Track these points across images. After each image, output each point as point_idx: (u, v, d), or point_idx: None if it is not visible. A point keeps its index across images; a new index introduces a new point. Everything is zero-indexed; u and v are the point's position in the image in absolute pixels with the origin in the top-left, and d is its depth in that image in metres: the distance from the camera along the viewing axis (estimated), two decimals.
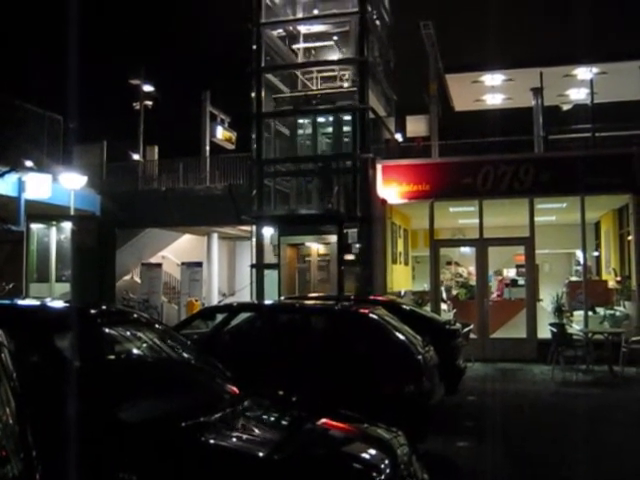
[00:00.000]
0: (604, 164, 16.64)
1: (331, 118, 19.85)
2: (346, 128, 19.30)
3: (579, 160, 17.10)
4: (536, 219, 16.79)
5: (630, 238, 16.83)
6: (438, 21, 22.32)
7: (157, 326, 5.57)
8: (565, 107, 25.96)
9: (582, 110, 24.63)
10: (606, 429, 9.58)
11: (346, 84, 20.43)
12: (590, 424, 9.93)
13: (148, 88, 32.86)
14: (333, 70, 21.09)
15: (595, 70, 22.73)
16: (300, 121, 20.33)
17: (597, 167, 16.46)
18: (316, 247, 18.74)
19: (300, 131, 20.46)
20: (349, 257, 17.04)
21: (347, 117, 19.29)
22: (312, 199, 19.07)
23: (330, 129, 20.10)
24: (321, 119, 19.91)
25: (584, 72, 22.94)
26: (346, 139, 19.30)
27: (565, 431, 9.67)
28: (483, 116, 26.99)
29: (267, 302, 13.55)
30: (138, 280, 25.96)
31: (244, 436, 4.30)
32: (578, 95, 24.64)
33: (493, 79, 23.82)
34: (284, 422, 4.98)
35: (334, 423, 4.79)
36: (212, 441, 3.92)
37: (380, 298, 13.04)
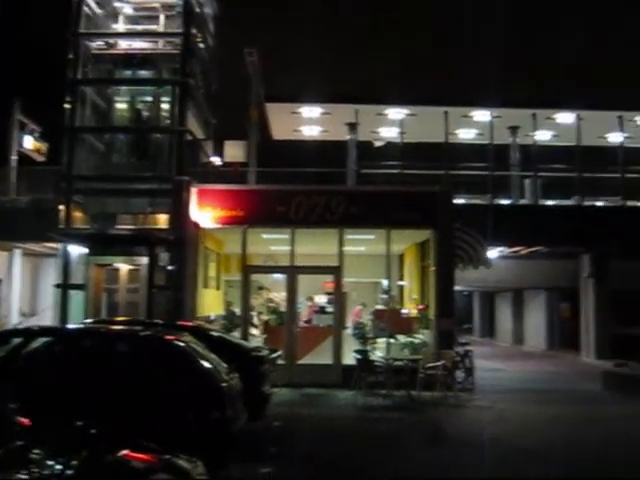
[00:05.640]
0: (410, 200, 17.62)
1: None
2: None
3: (387, 195, 18.07)
4: (346, 249, 17.40)
5: (432, 270, 17.87)
6: (262, 50, 22.74)
7: None
8: (377, 144, 27.33)
9: (393, 148, 26.09)
10: (402, 452, 10.07)
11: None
12: (387, 447, 10.42)
13: None
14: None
15: (405, 112, 24.22)
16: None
17: (403, 203, 17.41)
18: (126, 268, 18.17)
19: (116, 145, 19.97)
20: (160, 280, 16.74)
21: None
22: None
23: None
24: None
25: (395, 112, 24.37)
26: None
27: (364, 453, 10.05)
28: (300, 146, 27.75)
29: (70, 326, 12.98)
30: None
31: (36, 470, 4.07)
32: (390, 133, 26.12)
33: (311, 111, 24.66)
34: (81, 455, 4.74)
35: (135, 454, 4.70)
36: None
37: (188, 324, 12.90)
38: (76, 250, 17.90)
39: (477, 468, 9.21)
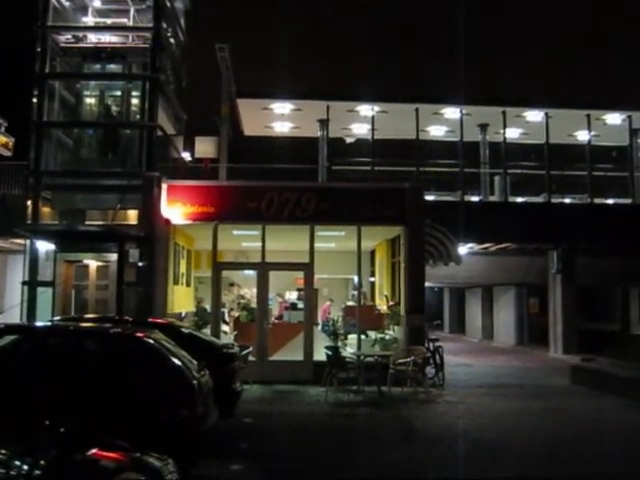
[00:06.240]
0: (380, 197, 17.68)
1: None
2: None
3: (358, 192, 18.11)
4: (316, 245, 17.38)
5: (402, 266, 17.94)
6: (234, 46, 22.70)
7: None
8: (348, 140, 27.36)
9: (364, 144, 26.17)
10: (372, 448, 10.11)
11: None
12: (358, 443, 10.47)
13: None
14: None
15: (376, 108, 24.28)
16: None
17: (374, 199, 17.46)
18: (95, 265, 18.00)
19: (84, 143, 19.75)
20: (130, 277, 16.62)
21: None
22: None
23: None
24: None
25: (366, 109, 24.42)
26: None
27: (335, 449, 10.07)
28: (272, 142, 27.73)
29: (38, 324, 12.84)
30: None
31: (2, 471, 4.03)
32: (361, 130, 26.15)
33: (283, 107, 24.61)
34: (50, 454, 4.71)
35: (105, 453, 4.68)
36: None
37: (159, 321, 12.81)
38: (44, 246, 17.70)
39: (448, 463, 9.30)
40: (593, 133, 25.69)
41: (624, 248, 24.50)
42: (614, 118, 25.57)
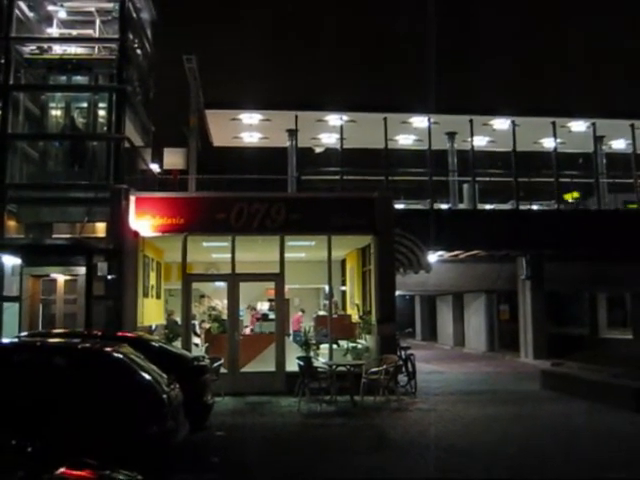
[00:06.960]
0: (350, 206, 17.74)
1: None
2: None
3: (328, 201, 18.18)
4: (287, 256, 17.35)
5: (373, 275, 17.98)
6: (202, 57, 22.67)
7: None
8: (317, 150, 27.40)
9: (333, 154, 26.24)
10: (344, 457, 10.09)
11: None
12: (330, 453, 10.44)
13: None
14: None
15: (345, 118, 24.36)
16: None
17: (344, 209, 17.51)
18: (63, 279, 17.77)
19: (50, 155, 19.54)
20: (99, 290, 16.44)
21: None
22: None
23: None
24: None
25: (335, 119, 24.49)
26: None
27: (307, 460, 10.04)
28: (241, 153, 27.69)
29: (3, 340, 12.64)
30: None
31: None
32: (330, 140, 26.21)
33: (251, 118, 24.59)
34: (17, 474, 4.64)
35: (73, 472, 4.62)
36: None
37: (128, 334, 12.71)
38: (10, 261, 17.45)
39: (421, 470, 9.31)
40: (559, 140, 26.00)
41: (591, 253, 24.82)
42: (579, 125, 25.94)
